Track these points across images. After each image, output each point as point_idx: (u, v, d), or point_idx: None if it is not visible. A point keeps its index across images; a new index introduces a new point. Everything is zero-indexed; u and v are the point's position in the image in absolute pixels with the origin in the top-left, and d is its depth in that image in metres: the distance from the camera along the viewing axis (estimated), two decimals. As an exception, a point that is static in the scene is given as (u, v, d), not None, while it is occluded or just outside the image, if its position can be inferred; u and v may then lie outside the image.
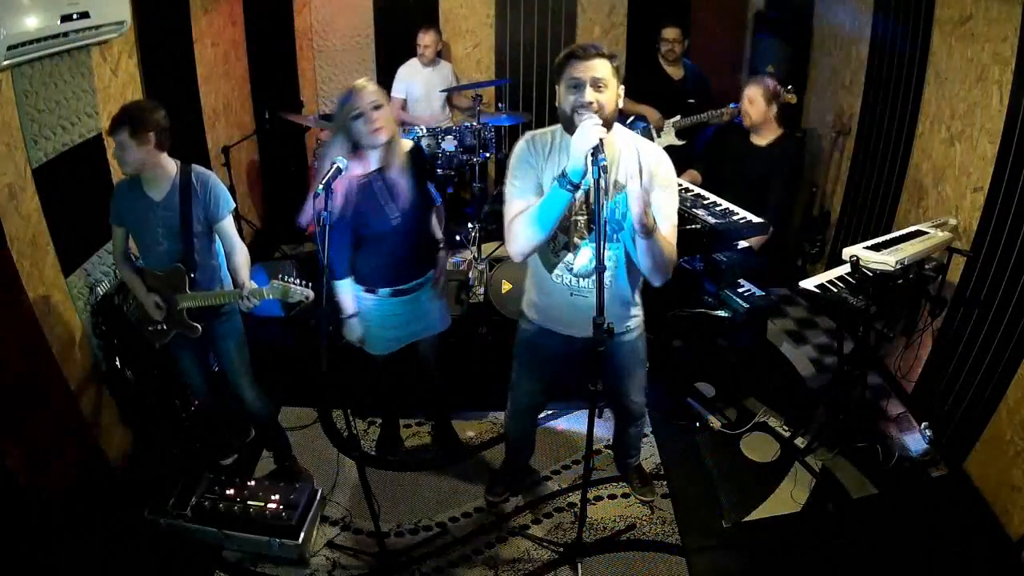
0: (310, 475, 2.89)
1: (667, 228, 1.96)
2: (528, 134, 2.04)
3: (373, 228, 2.32)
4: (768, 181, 3.13)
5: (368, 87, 2.19)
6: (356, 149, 2.22)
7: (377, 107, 2.18)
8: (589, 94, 1.82)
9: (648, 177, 1.92)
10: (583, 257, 2.04)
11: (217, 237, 2.45)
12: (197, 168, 2.39)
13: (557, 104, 1.94)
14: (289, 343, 3.65)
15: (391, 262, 2.43)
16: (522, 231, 1.92)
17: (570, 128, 1.89)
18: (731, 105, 3.92)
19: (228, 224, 2.44)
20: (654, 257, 1.90)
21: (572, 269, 2.06)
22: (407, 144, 2.37)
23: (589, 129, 1.73)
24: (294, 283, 2.29)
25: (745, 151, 3.24)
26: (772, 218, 3.11)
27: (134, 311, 2.71)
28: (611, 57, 1.86)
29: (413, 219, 2.36)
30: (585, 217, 1.99)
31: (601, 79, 1.83)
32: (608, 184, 1.91)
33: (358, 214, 2.27)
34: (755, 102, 3.16)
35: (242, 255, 2.47)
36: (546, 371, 2.41)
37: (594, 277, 1.99)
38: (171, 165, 2.34)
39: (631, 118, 4.14)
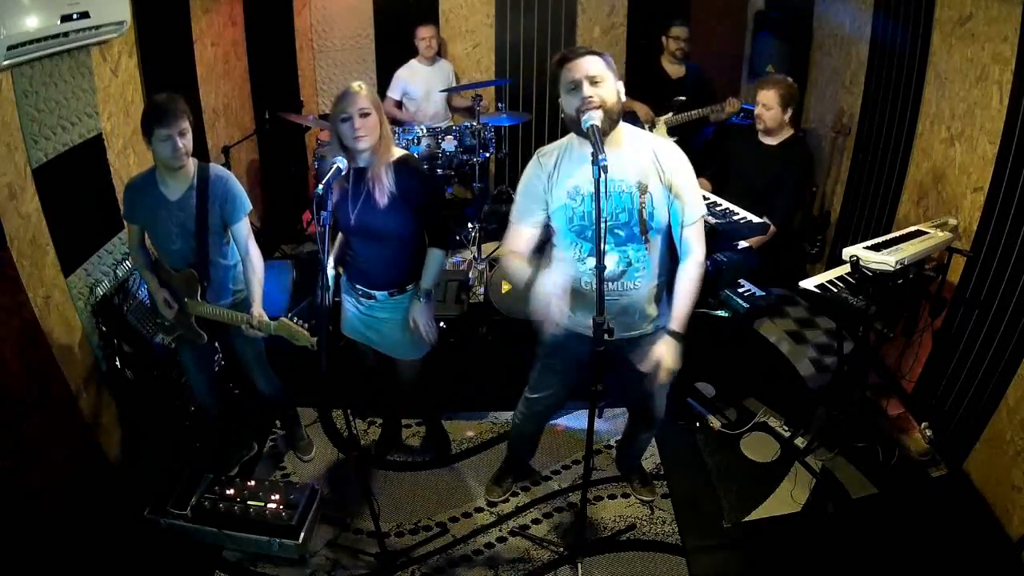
0: (311, 442, 3.05)
1: (699, 225, 2.06)
2: (536, 153, 2.10)
3: (339, 218, 2.34)
4: (779, 182, 3.10)
5: (361, 93, 2.17)
6: (344, 148, 2.23)
7: (365, 114, 2.16)
8: (587, 90, 1.85)
9: (671, 176, 1.99)
10: (610, 261, 2.02)
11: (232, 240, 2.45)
12: (215, 167, 2.38)
13: (562, 113, 1.95)
14: (289, 343, 3.64)
15: (347, 254, 2.46)
16: (511, 277, 2.06)
17: (579, 131, 1.91)
18: (730, 99, 3.93)
19: (243, 227, 2.42)
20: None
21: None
22: (396, 156, 2.30)
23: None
24: (300, 326, 2.34)
25: (755, 151, 3.20)
26: (781, 221, 3.10)
27: (135, 310, 2.71)
28: (601, 54, 1.89)
29: (370, 228, 2.32)
30: (609, 223, 1.98)
31: (596, 75, 1.85)
32: (608, 184, 1.91)
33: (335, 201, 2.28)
34: (771, 108, 3.09)
35: (257, 266, 2.44)
36: (571, 373, 2.37)
37: (623, 280, 2.05)
38: (191, 163, 2.32)
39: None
